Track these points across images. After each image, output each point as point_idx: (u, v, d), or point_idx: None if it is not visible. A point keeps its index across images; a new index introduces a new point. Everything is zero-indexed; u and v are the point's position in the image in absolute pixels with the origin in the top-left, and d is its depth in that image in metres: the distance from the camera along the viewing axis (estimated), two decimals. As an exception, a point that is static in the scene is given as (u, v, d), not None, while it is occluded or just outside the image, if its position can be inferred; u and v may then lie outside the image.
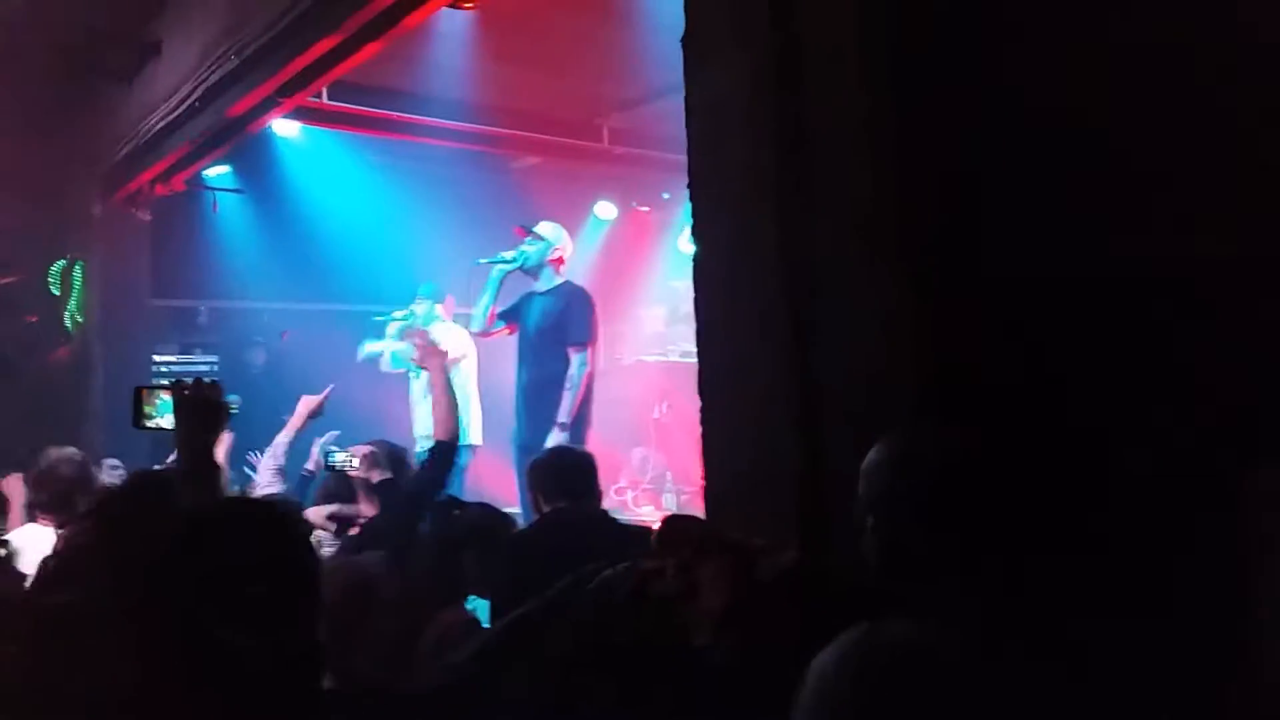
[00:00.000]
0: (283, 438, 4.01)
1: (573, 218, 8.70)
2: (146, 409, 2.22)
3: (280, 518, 1.57)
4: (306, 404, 4.03)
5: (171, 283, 7.35)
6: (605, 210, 8.81)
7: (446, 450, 3.22)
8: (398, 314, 6.29)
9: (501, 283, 5.50)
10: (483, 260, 5.61)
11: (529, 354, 5.34)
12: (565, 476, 3.12)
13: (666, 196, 8.88)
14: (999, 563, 1.50)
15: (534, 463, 3.31)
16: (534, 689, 1.98)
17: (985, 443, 1.60)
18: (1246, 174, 2.00)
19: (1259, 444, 1.88)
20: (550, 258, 5.38)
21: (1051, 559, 1.61)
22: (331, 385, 4.22)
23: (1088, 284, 1.92)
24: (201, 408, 2.02)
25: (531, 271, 5.42)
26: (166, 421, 2.24)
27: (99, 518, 2.35)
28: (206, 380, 2.15)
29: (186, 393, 2.08)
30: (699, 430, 2.35)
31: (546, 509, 3.07)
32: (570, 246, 5.60)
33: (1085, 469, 1.86)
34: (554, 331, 5.21)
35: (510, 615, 2.12)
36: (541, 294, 5.39)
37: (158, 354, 7.35)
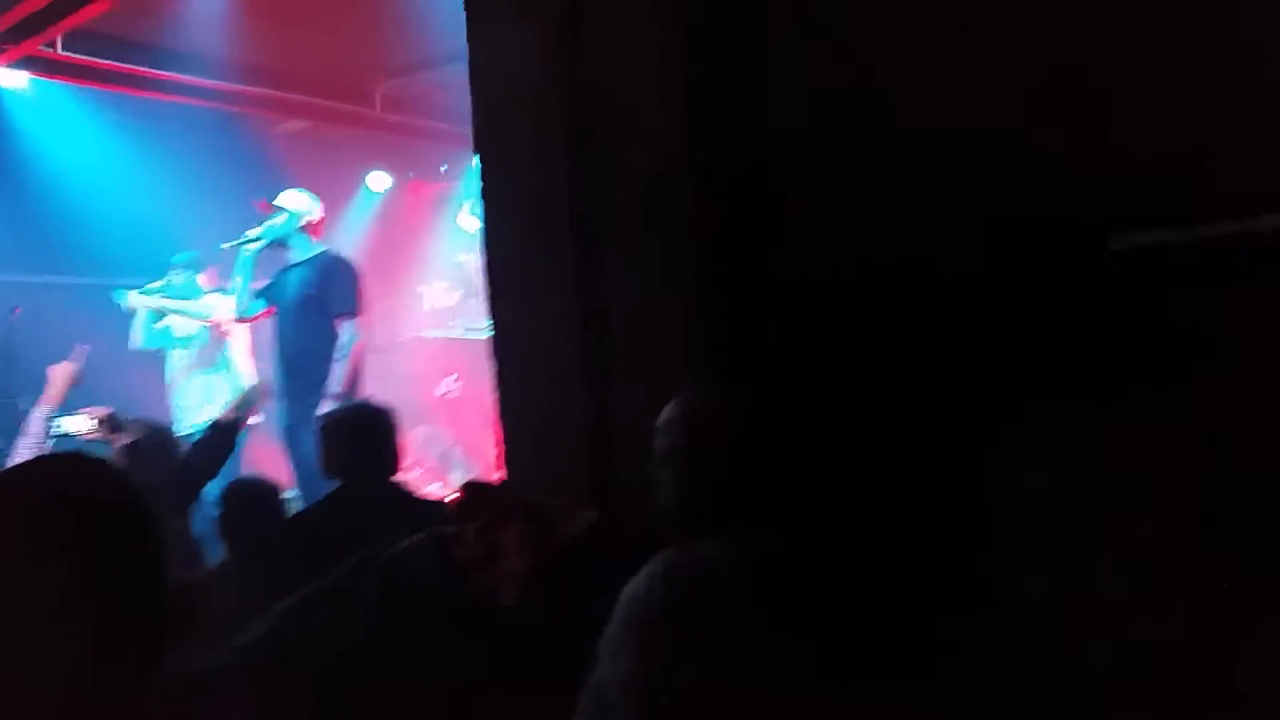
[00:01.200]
0: (40, 413, 3.42)
1: (343, 188, 8.36)
2: None
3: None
4: (61, 372, 3.45)
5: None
6: (378, 181, 8.50)
7: (230, 428, 3.03)
8: (153, 285, 5.85)
9: (256, 262, 5.17)
10: (226, 245, 5.27)
11: (288, 328, 5.01)
12: (358, 441, 2.92)
13: (444, 168, 8.68)
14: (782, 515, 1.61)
15: (323, 425, 3.08)
16: (323, 673, 1.92)
17: (770, 402, 1.71)
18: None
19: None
20: (299, 227, 5.09)
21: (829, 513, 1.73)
22: (86, 345, 3.67)
23: (870, 264, 2.06)
24: None
25: (283, 244, 5.12)
26: None
27: None
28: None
29: None
30: (490, 404, 2.35)
31: (335, 483, 2.93)
32: (319, 211, 5.26)
33: (860, 432, 2.01)
34: (314, 303, 4.92)
35: (293, 598, 2.04)
36: (297, 265, 5.09)
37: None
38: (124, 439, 3.11)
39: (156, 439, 3.21)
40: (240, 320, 5.40)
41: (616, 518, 1.96)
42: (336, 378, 4.73)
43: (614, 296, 1.99)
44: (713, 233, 2.00)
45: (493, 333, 2.31)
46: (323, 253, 5.14)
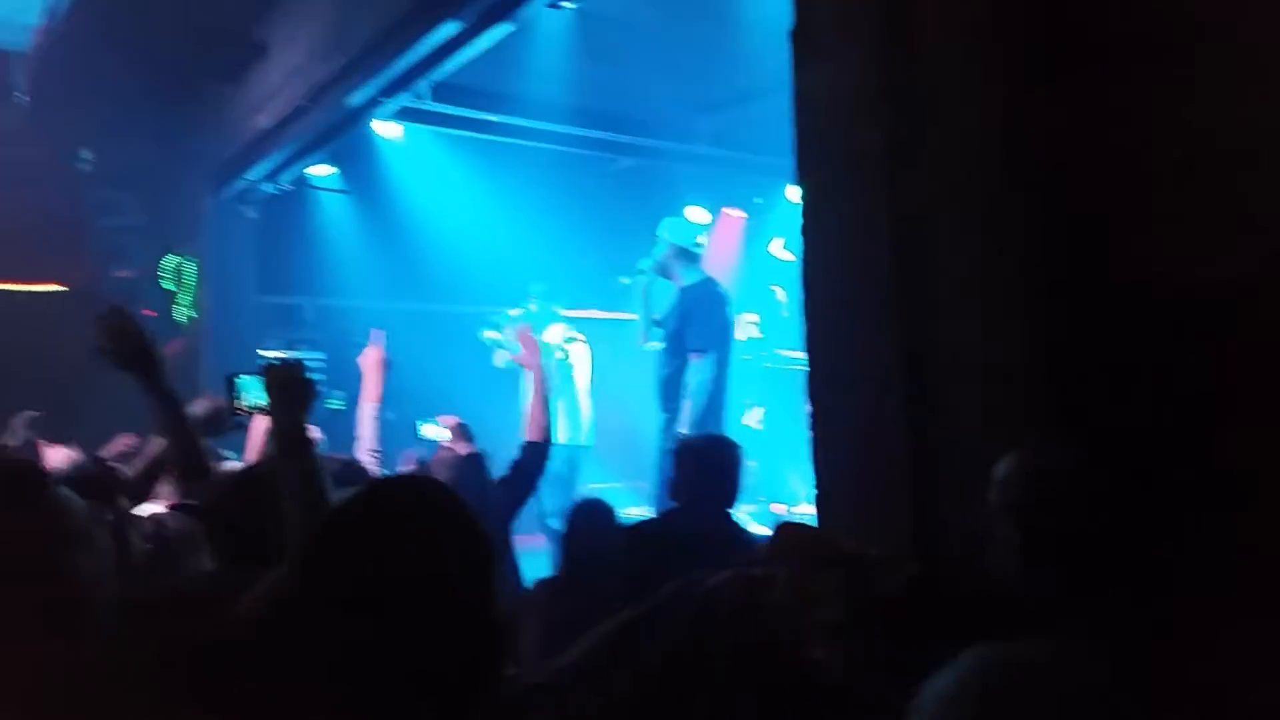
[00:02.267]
0: (367, 411, 3.47)
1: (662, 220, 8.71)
2: (238, 395, 2.23)
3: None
4: (371, 360, 3.47)
5: (277, 279, 7.55)
6: (695, 215, 8.74)
7: (537, 451, 3.20)
8: (512, 311, 6.33)
9: (648, 291, 5.27)
10: (625, 279, 5.56)
11: (662, 354, 5.13)
12: (700, 471, 2.98)
13: (759, 201, 8.78)
14: (1134, 580, 1.40)
15: (675, 449, 3.17)
16: (634, 701, 1.93)
17: (1119, 456, 1.50)
18: None
19: None
20: (673, 255, 5.14)
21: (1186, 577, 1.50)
22: (382, 330, 3.75)
23: (1216, 291, 1.78)
24: (285, 386, 2.02)
25: (666, 274, 5.19)
26: (246, 405, 2.25)
27: (205, 511, 2.37)
28: (290, 360, 2.14)
29: (269, 374, 2.06)
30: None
31: (673, 504, 3.01)
32: (700, 238, 5.33)
33: (1221, 487, 1.73)
34: (677, 334, 4.99)
35: (610, 624, 2.07)
36: (680, 290, 5.14)
37: (264, 349, 7.55)
38: (469, 449, 3.36)
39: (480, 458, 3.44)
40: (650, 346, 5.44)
41: (939, 573, 1.81)
42: (685, 418, 4.74)
43: (939, 334, 1.85)
44: (1050, 264, 1.80)
45: (808, 367, 2.24)
46: (697, 282, 5.13)
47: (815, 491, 2.25)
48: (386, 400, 3.65)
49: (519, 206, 7.50)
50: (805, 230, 2.22)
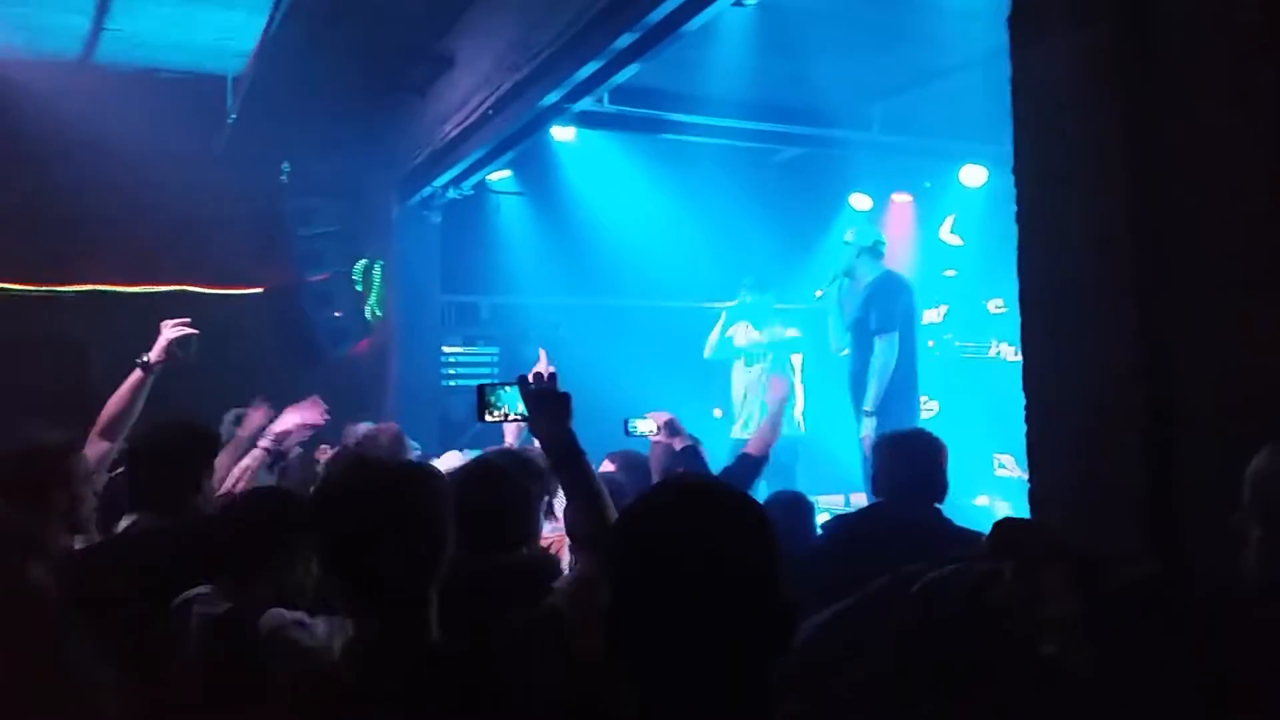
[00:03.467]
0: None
1: (828, 209, 8.64)
2: (490, 401, 2.36)
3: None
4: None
5: (457, 279, 7.92)
6: (860, 202, 8.63)
7: (756, 465, 3.34)
8: (728, 304, 6.70)
9: (840, 295, 5.67)
10: (818, 292, 5.94)
11: (851, 349, 5.51)
12: (902, 462, 3.01)
13: (928, 185, 8.58)
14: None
15: (876, 442, 3.24)
16: (856, 693, 1.96)
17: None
18: None
19: None
20: (859, 254, 5.55)
21: None
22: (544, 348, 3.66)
23: None
24: (549, 400, 2.12)
25: (851, 274, 5.60)
26: (505, 413, 2.36)
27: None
28: (545, 373, 2.25)
29: (532, 386, 2.16)
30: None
31: (878, 498, 3.04)
32: (879, 234, 5.75)
33: None
34: (862, 324, 5.36)
35: (826, 614, 2.11)
36: (865, 285, 5.52)
37: (445, 345, 7.95)
38: (684, 442, 3.49)
39: (696, 450, 3.55)
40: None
41: (1175, 571, 1.78)
42: (870, 395, 5.06)
43: (1180, 328, 1.80)
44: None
45: (1026, 361, 2.22)
46: (882, 274, 5.54)
47: (1032, 490, 2.22)
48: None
49: (681, 203, 7.61)
50: (1024, 218, 2.19)
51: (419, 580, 1.72)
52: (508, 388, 2.28)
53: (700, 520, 1.20)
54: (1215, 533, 1.75)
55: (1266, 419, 1.65)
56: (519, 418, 2.25)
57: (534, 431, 2.15)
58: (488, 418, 2.34)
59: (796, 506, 3.08)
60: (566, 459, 2.05)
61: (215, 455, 3.11)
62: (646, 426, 3.61)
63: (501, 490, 2.45)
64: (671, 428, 3.56)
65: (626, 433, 3.70)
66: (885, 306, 5.25)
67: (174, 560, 2.34)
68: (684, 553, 1.16)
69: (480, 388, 2.34)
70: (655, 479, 3.60)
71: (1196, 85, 1.83)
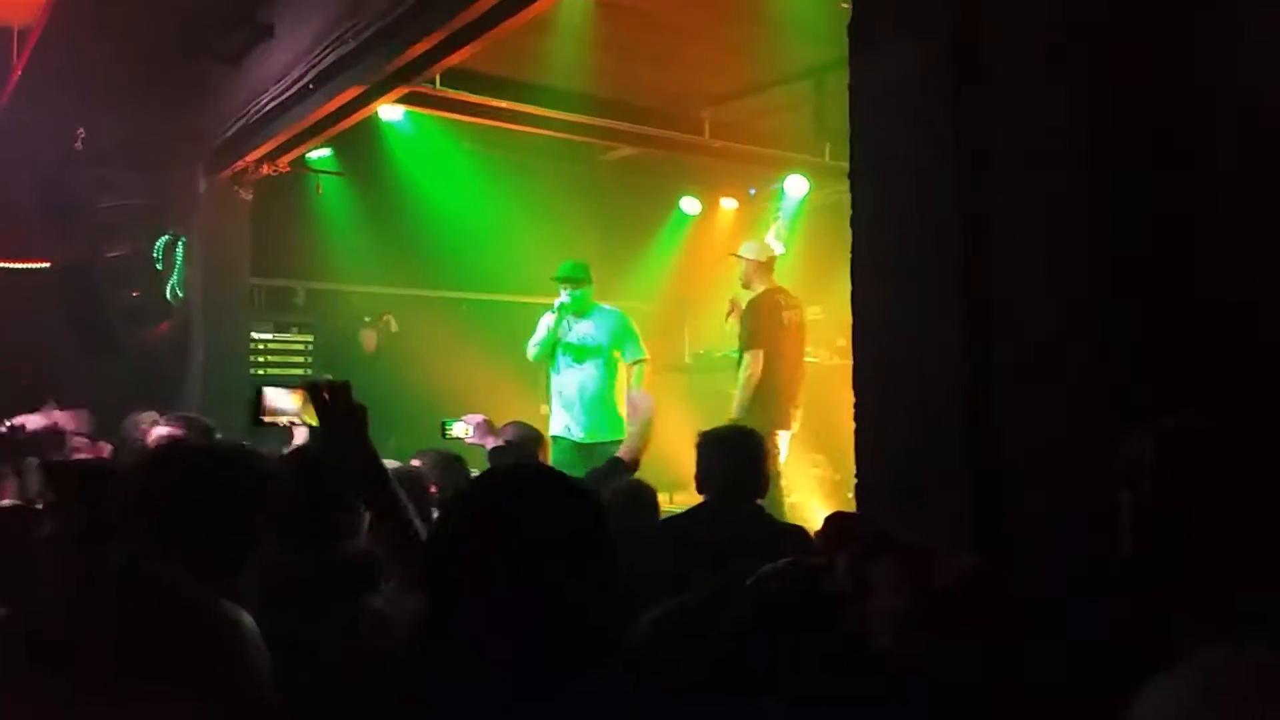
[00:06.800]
0: None
1: (659, 211, 8.75)
2: (267, 405, 2.19)
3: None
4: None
5: (269, 262, 7.48)
6: (690, 205, 8.80)
7: (623, 468, 3.33)
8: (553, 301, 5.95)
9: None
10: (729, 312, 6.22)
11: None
12: (722, 465, 3.01)
13: (753, 192, 8.84)
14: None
15: (700, 441, 3.17)
16: (695, 689, 1.94)
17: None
18: None
19: None
20: (754, 270, 6.03)
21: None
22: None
23: None
24: (350, 415, 1.91)
25: (750, 286, 6.04)
26: (286, 418, 2.21)
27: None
28: (335, 381, 1.99)
29: (326, 396, 1.94)
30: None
31: (703, 495, 3.03)
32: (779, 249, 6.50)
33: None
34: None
35: (661, 610, 2.09)
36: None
37: (255, 332, 7.49)
38: (496, 443, 3.41)
39: (529, 447, 3.47)
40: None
41: (1003, 567, 1.85)
42: (734, 406, 5.58)
43: (1005, 325, 1.89)
44: (1126, 257, 1.84)
45: (857, 357, 2.27)
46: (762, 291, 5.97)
47: (858, 485, 2.28)
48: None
49: (508, 194, 7.50)
50: (858, 222, 2.24)
51: None
52: (295, 395, 2.11)
53: (529, 500, 1.24)
54: (1037, 524, 1.85)
55: (1088, 413, 1.74)
56: (304, 424, 2.09)
57: (326, 456, 1.96)
58: (264, 419, 2.16)
59: (638, 496, 3.05)
60: (374, 476, 1.87)
61: None
62: (460, 429, 3.58)
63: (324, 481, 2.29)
64: (483, 429, 3.52)
65: (443, 435, 3.65)
66: (750, 323, 5.68)
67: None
68: (510, 530, 1.18)
69: (258, 389, 2.16)
70: None
71: (1021, 96, 1.92)
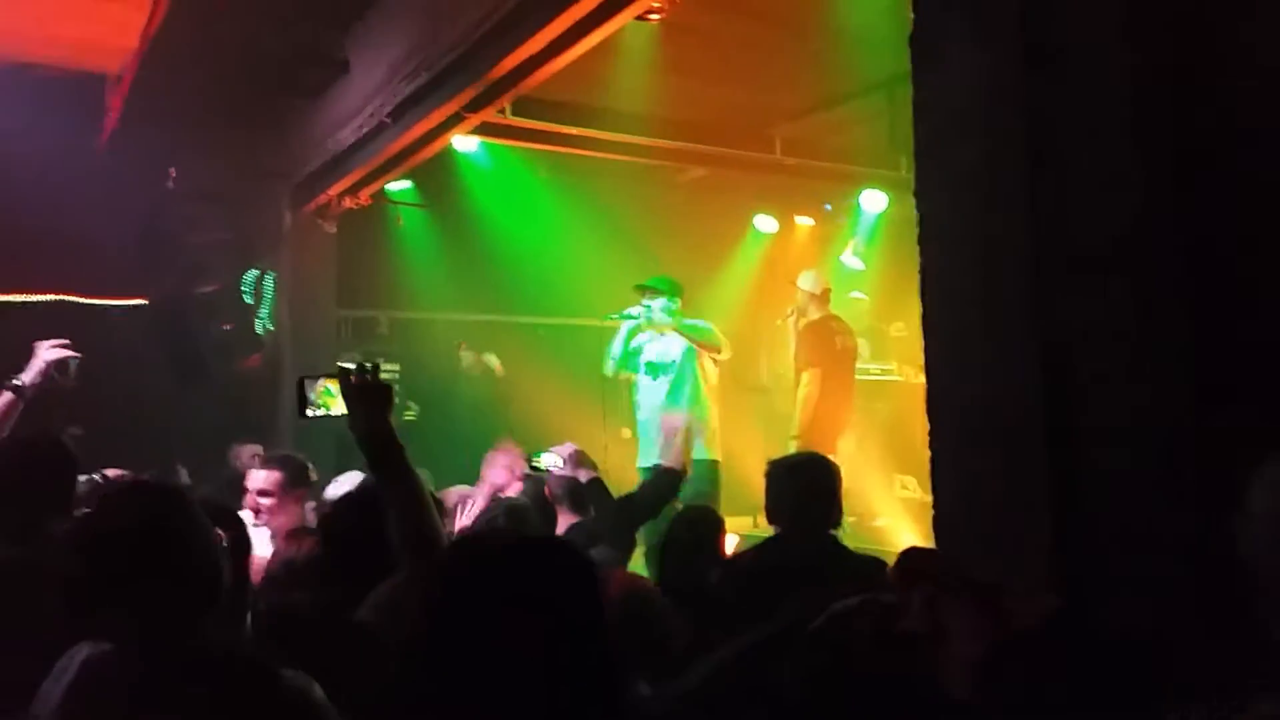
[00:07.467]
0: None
1: (734, 230, 8.68)
2: (309, 397, 2.24)
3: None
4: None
5: (354, 293, 7.65)
6: (766, 223, 8.72)
7: (668, 474, 3.28)
8: (630, 311, 5.67)
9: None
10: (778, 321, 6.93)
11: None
12: (794, 495, 2.91)
13: (829, 208, 8.70)
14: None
15: (769, 470, 3.08)
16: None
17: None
18: None
19: None
20: (809, 300, 6.72)
21: None
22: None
23: None
24: (369, 392, 2.03)
25: (805, 315, 6.72)
26: (330, 409, 2.26)
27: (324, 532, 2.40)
28: (367, 364, 2.14)
29: (353, 379, 2.08)
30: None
31: (774, 526, 2.95)
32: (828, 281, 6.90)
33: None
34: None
35: (732, 645, 2.03)
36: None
37: (342, 362, 7.65)
38: (589, 474, 3.37)
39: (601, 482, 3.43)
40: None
41: (1083, 610, 1.73)
42: (794, 422, 6.03)
43: (1085, 357, 1.78)
44: (1207, 279, 1.72)
45: (930, 384, 2.17)
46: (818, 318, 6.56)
47: (935, 516, 2.18)
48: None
49: (585, 219, 7.53)
50: (926, 241, 2.15)
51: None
52: (329, 382, 2.17)
53: (525, 569, 1.24)
54: (1121, 566, 1.73)
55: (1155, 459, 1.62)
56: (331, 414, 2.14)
57: (351, 427, 2.05)
58: (309, 413, 2.22)
59: (700, 524, 2.99)
60: (385, 455, 1.97)
61: (75, 477, 2.86)
62: (551, 460, 3.48)
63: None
64: (577, 460, 3.43)
65: (531, 467, 3.57)
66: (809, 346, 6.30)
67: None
68: (502, 599, 1.19)
69: (300, 381, 2.22)
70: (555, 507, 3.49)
71: (1094, 107, 1.82)
